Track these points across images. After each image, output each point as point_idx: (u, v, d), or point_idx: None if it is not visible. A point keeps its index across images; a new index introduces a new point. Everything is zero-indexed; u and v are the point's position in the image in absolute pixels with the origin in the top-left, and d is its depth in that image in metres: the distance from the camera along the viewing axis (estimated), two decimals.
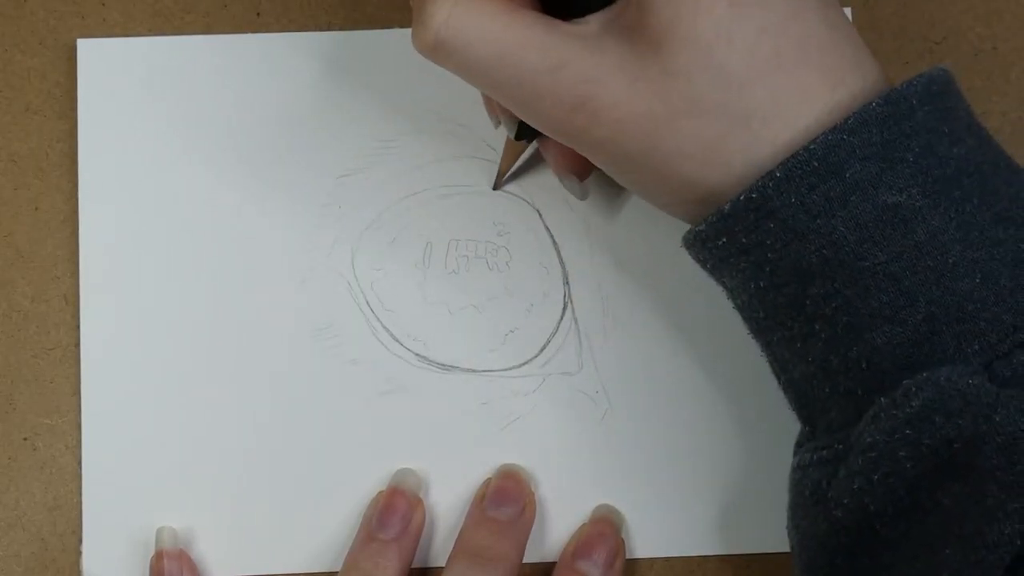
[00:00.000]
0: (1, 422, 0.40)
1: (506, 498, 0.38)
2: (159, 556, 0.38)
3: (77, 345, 0.40)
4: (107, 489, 0.39)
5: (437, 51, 0.31)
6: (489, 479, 0.39)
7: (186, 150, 0.40)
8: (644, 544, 0.39)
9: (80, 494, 0.39)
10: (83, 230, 0.40)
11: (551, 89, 0.30)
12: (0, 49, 0.41)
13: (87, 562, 0.39)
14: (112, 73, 0.40)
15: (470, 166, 0.40)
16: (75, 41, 0.40)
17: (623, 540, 0.39)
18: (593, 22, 0.31)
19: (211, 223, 0.40)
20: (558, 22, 0.31)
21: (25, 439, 0.40)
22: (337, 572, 0.38)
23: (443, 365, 0.40)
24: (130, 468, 0.39)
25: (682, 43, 0.29)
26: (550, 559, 0.39)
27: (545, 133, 0.32)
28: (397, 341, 0.40)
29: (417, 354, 0.40)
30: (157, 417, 0.39)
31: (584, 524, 0.39)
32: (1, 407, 0.40)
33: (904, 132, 0.29)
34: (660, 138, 0.30)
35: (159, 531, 0.38)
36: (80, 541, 0.39)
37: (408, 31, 0.40)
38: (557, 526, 0.39)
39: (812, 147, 0.29)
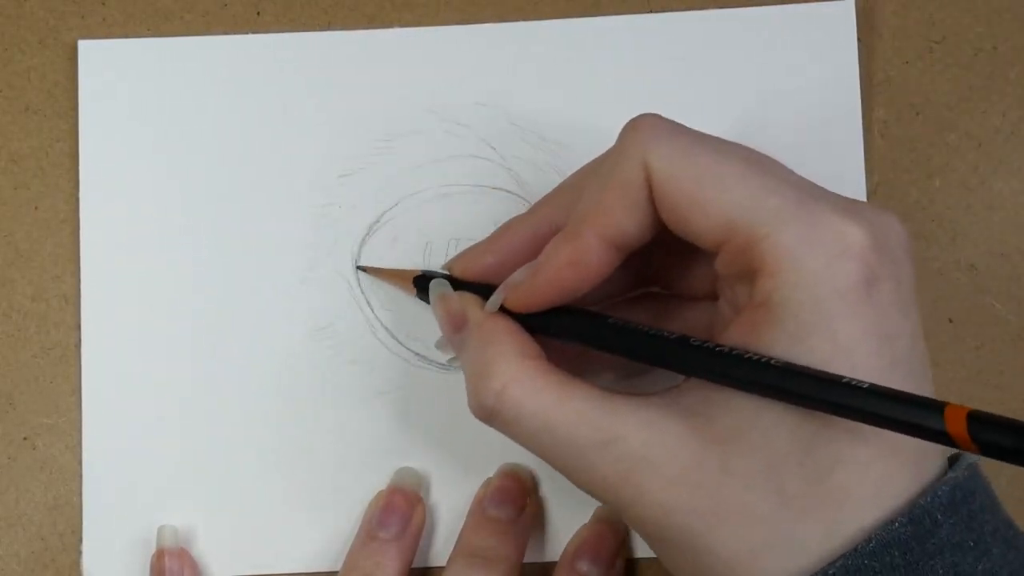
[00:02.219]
0: (1, 422, 0.40)
1: (506, 498, 0.38)
2: (160, 555, 0.38)
3: (77, 345, 0.40)
4: (107, 489, 0.39)
5: (491, 419, 0.32)
6: (489, 479, 0.39)
7: (186, 150, 0.40)
8: (644, 544, 0.39)
9: (80, 494, 0.39)
10: (83, 230, 0.40)
11: (599, 463, 0.30)
12: (0, 49, 0.41)
13: (87, 562, 0.39)
14: (112, 73, 0.40)
15: (470, 166, 0.40)
16: (75, 41, 0.40)
17: (624, 540, 0.39)
18: (656, 399, 0.30)
19: (211, 223, 0.40)
20: (617, 396, 0.30)
21: (25, 439, 0.40)
22: (337, 572, 0.38)
23: (443, 365, 0.40)
24: (130, 468, 0.39)
25: (749, 450, 0.28)
26: (550, 559, 0.39)
27: (592, 497, 0.32)
28: (397, 341, 0.40)
29: (417, 354, 0.40)
30: (157, 417, 0.39)
31: (584, 525, 0.39)
32: (1, 407, 0.40)
33: (928, 552, 0.28)
34: (701, 535, 0.29)
35: (160, 530, 0.38)
36: (80, 541, 0.39)
37: (407, 30, 0.40)
38: (557, 526, 0.39)
39: (831, 572, 0.27)
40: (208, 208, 0.40)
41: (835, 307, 0.28)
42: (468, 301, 0.34)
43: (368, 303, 0.40)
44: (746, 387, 0.28)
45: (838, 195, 0.30)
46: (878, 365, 0.28)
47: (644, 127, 0.30)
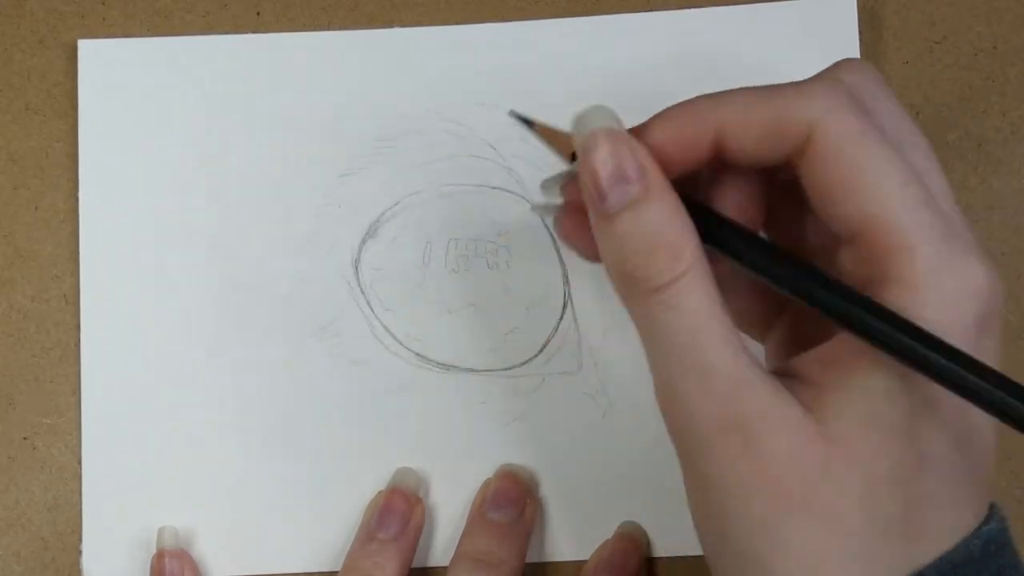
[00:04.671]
0: (1, 422, 0.40)
1: (506, 500, 0.38)
2: (160, 555, 0.38)
3: (77, 345, 0.40)
4: (107, 489, 0.39)
5: (652, 293, 0.29)
6: (488, 480, 0.39)
7: (186, 150, 0.40)
8: (662, 544, 0.39)
9: (80, 494, 0.39)
10: (83, 230, 0.40)
11: (725, 395, 0.28)
12: (0, 49, 0.41)
13: (87, 562, 0.39)
14: (112, 73, 0.40)
15: (470, 166, 0.40)
16: (75, 41, 0.40)
17: (645, 560, 0.38)
18: (780, 379, 0.29)
19: (210, 223, 0.40)
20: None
21: (25, 439, 0.40)
22: (337, 572, 0.38)
23: (443, 365, 0.40)
24: (130, 468, 0.39)
25: (852, 461, 0.28)
26: (550, 559, 0.39)
27: (686, 443, 0.29)
28: (397, 341, 0.40)
29: (417, 354, 0.40)
30: (157, 417, 0.39)
31: (607, 540, 0.39)
32: (1, 407, 0.40)
33: None
34: (784, 520, 0.28)
35: (160, 531, 0.38)
36: (80, 541, 0.39)
37: (407, 30, 0.40)
38: (557, 526, 0.39)
39: None
40: (208, 208, 0.40)
41: (955, 339, 0.27)
42: (647, 154, 0.29)
43: (368, 303, 0.40)
44: (901, 350, 0.27)
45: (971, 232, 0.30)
46: None
47: (841, 90, 0.29)
